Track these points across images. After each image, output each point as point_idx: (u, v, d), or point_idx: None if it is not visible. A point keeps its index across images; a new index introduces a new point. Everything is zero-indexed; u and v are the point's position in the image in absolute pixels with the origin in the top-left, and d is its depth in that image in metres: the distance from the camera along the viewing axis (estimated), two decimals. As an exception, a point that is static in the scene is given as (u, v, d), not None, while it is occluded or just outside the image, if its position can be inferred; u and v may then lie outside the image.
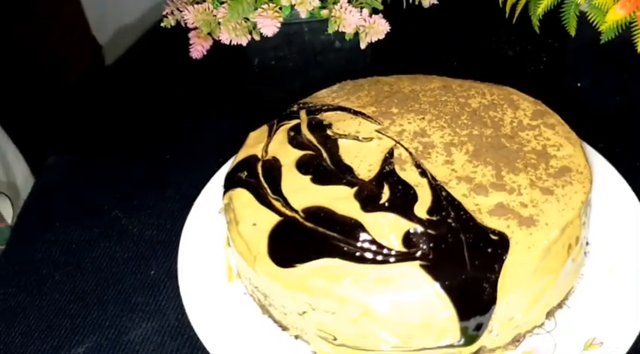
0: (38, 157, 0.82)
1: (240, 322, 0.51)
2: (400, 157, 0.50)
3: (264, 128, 0.57)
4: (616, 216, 0.54)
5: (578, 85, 0.76)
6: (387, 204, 0.46)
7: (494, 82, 0.59)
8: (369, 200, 0.46)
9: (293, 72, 0.85)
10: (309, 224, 0.46)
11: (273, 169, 0.52)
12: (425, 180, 0.47)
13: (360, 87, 0.59)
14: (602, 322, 0.47)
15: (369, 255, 0.44)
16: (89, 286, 0.59)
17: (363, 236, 0.44)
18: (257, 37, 0.81)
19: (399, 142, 0.51)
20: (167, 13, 0.84)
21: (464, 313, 0.43)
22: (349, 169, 0.49)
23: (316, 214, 0.46)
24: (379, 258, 0.43)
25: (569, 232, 0.46)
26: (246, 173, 0.52)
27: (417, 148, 0.50)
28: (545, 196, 0.46)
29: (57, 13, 1.42)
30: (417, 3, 0.85)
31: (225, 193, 0.53)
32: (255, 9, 0.78)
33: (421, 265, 0.43)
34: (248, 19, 0.80)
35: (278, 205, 0.48)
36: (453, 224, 0.44)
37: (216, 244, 0.56)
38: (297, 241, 0.46)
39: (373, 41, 0.79)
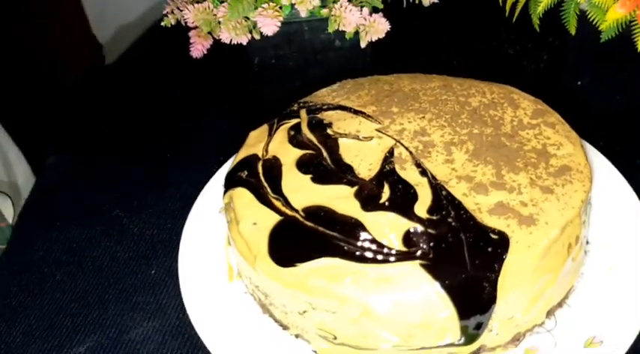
0: (39, 157, 0.82)
1: (240, 322, 0.51)
2: (400, 157, 0.50)
3: (265, 127, 0.57)
4: (616, 214, 0.54)
5: (579, 83, 0.76)
6: (387, 203, 0.46)
7: (494, 81, 0.59)
8: (369, 199, 0.46)
9: (293, 71, 0.85)
10: (309, 224, 0.46)
11: (273, 168, 0.52)
12: (425, 179, 0.47)
13: (360, 86, 0.59)
14: (602, 321, 0.47)
15: (369, 254, 0.44)
16: (90, 285, 0.59)
17: (363, 236, 0.44)
18: (257, 36, 0.81)
19: (399, 142, 0.51)
20: (167, 12, 0.84)
21: (464, 313, 0.43)
22: (349, 169, 0.49)
23: (316, 213, 0.46)
24: (379, 257, 0.43)
25: (569, 231, 0.46)
26: (246, 172, 0.52)
27: (417, 147, 0.50)
28: (545, 195, 0.46)
29: (57, 12, 1.42)
30: (417, 2, 0.84)
31: (225, 192, 0.53)
32: (256, 8, 0.78)
33: (421, 265, 0.43)
34: (248, 19, 0.80)
35: (278, 204, 0.48)
36: (453, 223, 0.44)
37: (217, 243, 0.56)
38: (298, 240, 0.46)
39: (373, 40, 0.79)
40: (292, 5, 0.80)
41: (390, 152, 0.50)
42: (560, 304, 0.49)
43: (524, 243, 0.44)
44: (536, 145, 0.51)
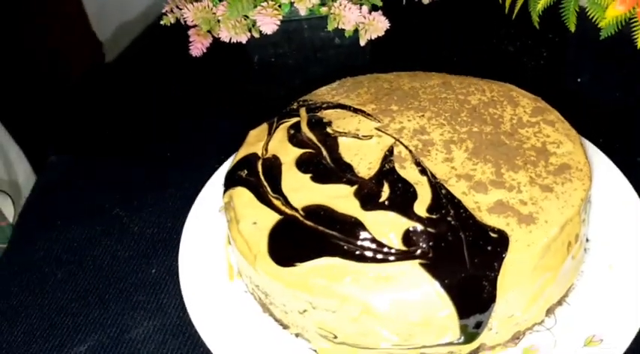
0: (40, 156, 0.82)
1: (241, 321, 0.51)
2: (400, 155, 0.50)
3: (264, 126, 0.57)
4: (616, 212, 0.54)
5: (578, 80, 0.76)
6: (386, 202, 0.46)
7: (494, 78, 0.59)
8: (368, 198, 0.46)
9: (293, 69, 0.85)
10: (309, 223, 0.46)
11: (273, 167, 0.52)
12: (425, 178, 0.48)
13: (359, 84, 0.59)
14: (602, 319, 0.47)
15: (369, 253, 0.44)
16: (91, 284, 0.59)
17: (363, 235, 0.44)
18: (257, 35, 0.81)
19: (398, 140, 0.51)
20: (167, 11, 0.84)
21: (463, 311, 0.43)
22: (349, 167, 0.49)
23: (316, 212, 0.46)
24: (379, 256, 0.44)
25: (569, 230, 0.46)
26: (246, 172, 0.53)
27: (416, 145, 0.50)
28: (544, 194, 0.47)
29: (57, 11, 1.42)
30: (416, 0, 0.85)
31: (225, 191, 0.53)
32: (255, 6, 0.78)
33: (421, 264, 0.43)
34: (247, 17, 0.80)
35: (278, 203, 0.48)
36: (452, 222, 0.44)
37: (217, 242, 0.56)
38: (298, 239, 0.46)
39: (373, 38, 0.79)
40: (291, 3, 0.80)
41: (390, 151, 0.50)
42: (559, 303, 0.49)
43: (523, 241, 0.44)
44: (535, 144, 0.51)
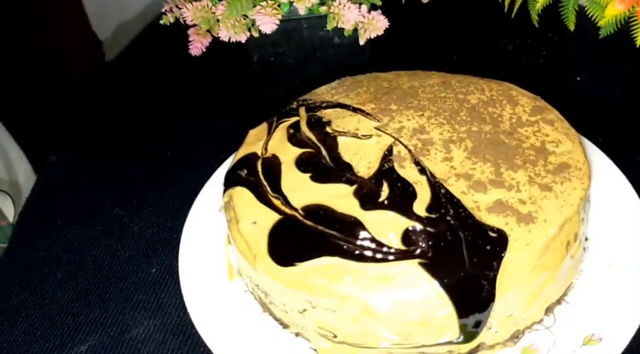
0: (40, 156, 0.82)
1: (241, 320, 0.51)
2: (399, 155, 0.50)
3: (264, 126, 0.57)
4: (615, 211, 0.54)
5: (578, 79, 0.76)
6: (386, 202, 0.46)
7: (494, 77, 0.59)
8: (368, 198, 0.46)
9: (292, 68, 0.85)
10: (308, 222, 0.46)
11: (272, 166, 0.52)
12: (424, 177, 0.48)
13: (359, 83, 0.59)
14: (601, 318, 0.47)
15: (368, 253, 0.44)
16: (91, 284, 0.59)
17: (362, 234, 0.44)
18: (256, 34, 0.81)
19: (398, 140, 0.51)
20: (166, 11, 0.84)
21: (463, 311, 0.43)
22: (348, 167, 0.49)
23: (316, 212, 0.47)
24: (379, 256, 0.44)
25: (568, 229, 0.46)
26: (245, 171, 0.53)
27: (416, 145, 0.50)
28: (543, 193, 0.47)
29: (57, 10, 1.42)
30: (415, -2, 0.85)
31: (225, 191, 0.53)
32: (254, 6, 0.78)
33: (420, 263, 0.43)
34: (247, 16, 0.80)
35: (278, 203, 0.48)
36: (451, 222, 0.44)
37: (217, 242, 0.56)
38: (297, 239, 0.46)
39: (372, 37, 0.79)
40: (291, 3, 0.80)
41: (389, 150, 0.50)
42: (559, 302, 0.49)
43: (522, 241, 0.44)
44: (534, 143, 0.51)
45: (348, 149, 0.51)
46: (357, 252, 0.44)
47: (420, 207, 0.45)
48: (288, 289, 0.45)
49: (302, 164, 0.51)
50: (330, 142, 0.52)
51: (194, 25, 0.82)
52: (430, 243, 0.43)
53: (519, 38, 0.83)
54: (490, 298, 0.43)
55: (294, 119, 0.55)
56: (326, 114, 0.55)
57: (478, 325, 0.44)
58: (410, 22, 0.86)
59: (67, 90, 1.17)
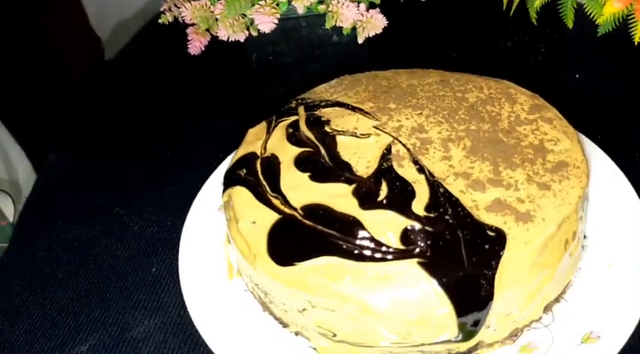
0: (41, 156, 0.82)
1: (241, 319, 0.51)
2: (398, 154, 0.50)
3: (263, 125, 0.57)
4: (614, 209, 0.55)
5: (576, 76, 0.76)
6: (385, 201, 0.46)
7: (493, 75, 0.59)
8: (367, 197, 0.47)
9: (291, 67, 0.85)
10: (307, 222, 0.46)
11: (271, 166, 0.52)
12: (422, 176, 0.48)
13: (358, 82, 0.59)
14: (599, 316, 0.47)
15: (367, 253, 0.44)
16: (91, 283, 0.60)
17: (361, 234, 0.44)
18: (255, 33, 0.81)
19: (396, 139, 0.51)
20: (165, 10, 0.84)
21: (461, 310, 0.43)
22: (347, 166, 0.50)
23: (315, 211, 0.47)
24: (377, 255, 0.44)
25: (566, 227, 0.46)
26: (245, 171, 0.53)
27: (414, 144, 0.51)
28: (542, 192, 0.47)
29: (57, 9, 1.42)
30: (414, -4, 0.85)
31: (224, 190, 0.53)
32: (252, 5, 0.78)
33: (419, 263, 0.43)
34: (245, 15, 0.80)
35: (277, 202, 0.49)
36: (450, 221, 0.44)
37: (217, 241, 0.56)
38: (297, 239, 0.46)
39: (371, 36, 0.79)
40: (289, 2, 0.80)
41: (388, 149, 0.50)
42: (557, 300, 0.49)
43: (521, 239, 0.44)
44: (533, 141, 0.51)
45: (347, 148, 0.51)
46: (356, 251, 0.44)
47: (418, 206, 0.45)
48: (287, 288, 0.46)
49: (301, 163, 0.51)
50: (329, 141, 0.52)
51: (193, 24, 0.82)
52: (429, 242, 0.44)
53: (518, 36, 0.83)
54: (489, 296, 0.43)
55: (293, 118, 0.55)
56: (325, 113, 0.55)
57: (477, 323, 0.44)
58: (408, 21, 0.87)
59: (67, 89, 1.17)
